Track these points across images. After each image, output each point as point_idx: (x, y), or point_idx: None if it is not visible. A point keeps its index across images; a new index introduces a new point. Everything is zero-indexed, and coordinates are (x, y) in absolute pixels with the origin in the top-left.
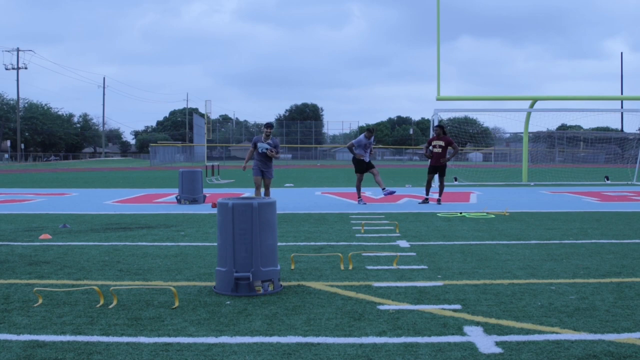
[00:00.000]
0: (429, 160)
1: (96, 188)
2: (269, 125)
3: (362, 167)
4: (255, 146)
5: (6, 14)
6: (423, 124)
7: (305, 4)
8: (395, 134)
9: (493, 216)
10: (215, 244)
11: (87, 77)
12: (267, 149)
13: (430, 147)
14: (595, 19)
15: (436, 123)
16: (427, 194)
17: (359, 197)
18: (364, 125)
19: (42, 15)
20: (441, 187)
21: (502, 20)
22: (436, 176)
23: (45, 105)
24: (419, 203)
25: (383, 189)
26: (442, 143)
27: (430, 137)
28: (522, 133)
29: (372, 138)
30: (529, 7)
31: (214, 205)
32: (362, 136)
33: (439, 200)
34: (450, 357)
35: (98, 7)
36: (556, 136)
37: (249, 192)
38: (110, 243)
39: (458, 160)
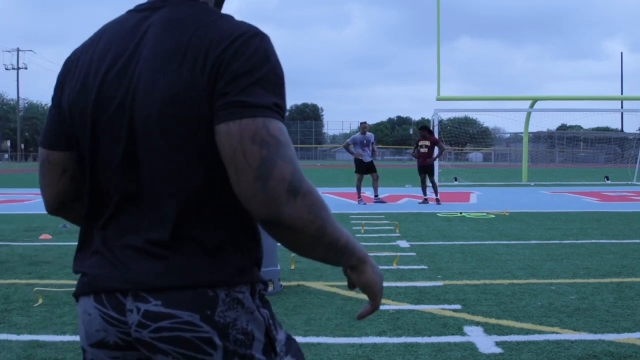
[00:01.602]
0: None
1: None
2: None
3: (362, 168)
4: None
5: (10, 15)
6: (423, 124)
7: (306, 5)
8: (395, 134)
9: (493, 216)
10: None
11: None
12: None
13: (417, 148)
14: (593, 20)
15: (436, 123)
16: (425, 193)
17: (359, 197)
18: None
19: (46, 17)
20: (434, 186)
21: (501, 21)
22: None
23: (45, 105)
24: (419, 203)
25: (376, 196)
26: (427, 143)
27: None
28: (522, 133)
29: (369, 134)
30: (528, 8)
31: None
32: (357, 134)
33: (437, 200)
34: (450, 357)
35: (100, 9)
36: (556, 136)
37: None
38: None
39: (458, 160)
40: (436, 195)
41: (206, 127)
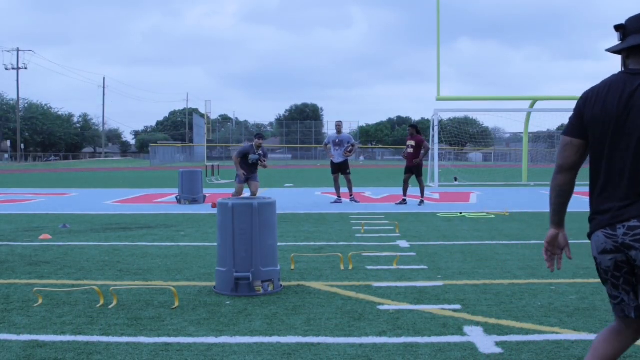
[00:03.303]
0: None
1: (96, 188)
2: (260, 137)
3: (334, 168)
4: (245, 156)
5: (10, 15)
6: (423, 124)
7: (307, 7)
8: (396, 134)
9: (493, 216)
10: (215, 244)
11: (89, 77)
12: (257, 159)
13: (405, 148)
14: (591, 21)
15: (436, 123)
16: (405, 194)
17: (337, 196)
18: (364, 125)
19: (46, 17)
20: (421, 187)
21: (500, 22)
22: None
23: (45, 105)
24: (396, 204)
25: (350, 195)
26: (413, 143)
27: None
28: (522, 133)
29: (344, 134)
30: (526, 9)
31: (214, 205)
32: (333, 132)
33: (421, 201)
34: (450, 357)
35: (102, 10)
36: (556, 136)
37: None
38: (110, 243)
39: (458, 160)
40: (421, 195)
41: None
